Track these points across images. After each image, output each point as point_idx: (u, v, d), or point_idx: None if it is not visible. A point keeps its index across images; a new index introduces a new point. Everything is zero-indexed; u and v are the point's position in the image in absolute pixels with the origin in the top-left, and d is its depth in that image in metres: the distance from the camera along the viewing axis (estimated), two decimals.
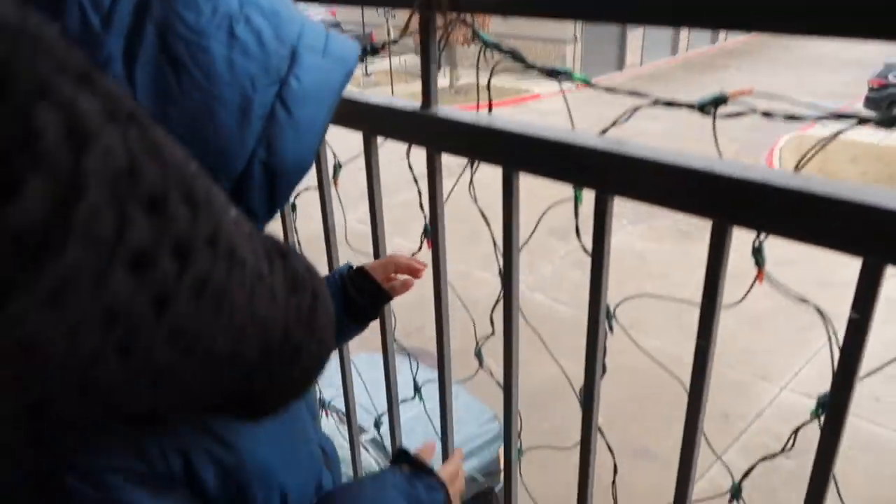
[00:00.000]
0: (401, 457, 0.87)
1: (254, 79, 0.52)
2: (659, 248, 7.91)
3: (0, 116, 0.27)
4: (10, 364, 0.30)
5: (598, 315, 0.80)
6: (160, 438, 0.58)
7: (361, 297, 0.96)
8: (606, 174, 0.71)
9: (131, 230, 0.32)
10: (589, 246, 0.82)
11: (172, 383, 0.39)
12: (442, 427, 1.05)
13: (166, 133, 0.39)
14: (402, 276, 0.99)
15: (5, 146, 0.27)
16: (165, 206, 0.34)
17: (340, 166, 1.04)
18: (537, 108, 15.41)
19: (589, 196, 0.78)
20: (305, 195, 1.16)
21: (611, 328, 0.84)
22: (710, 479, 4.76)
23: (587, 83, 0.75)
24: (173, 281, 0.35)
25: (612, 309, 0.83)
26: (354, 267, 0.99)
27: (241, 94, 0.51)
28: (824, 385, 0.67)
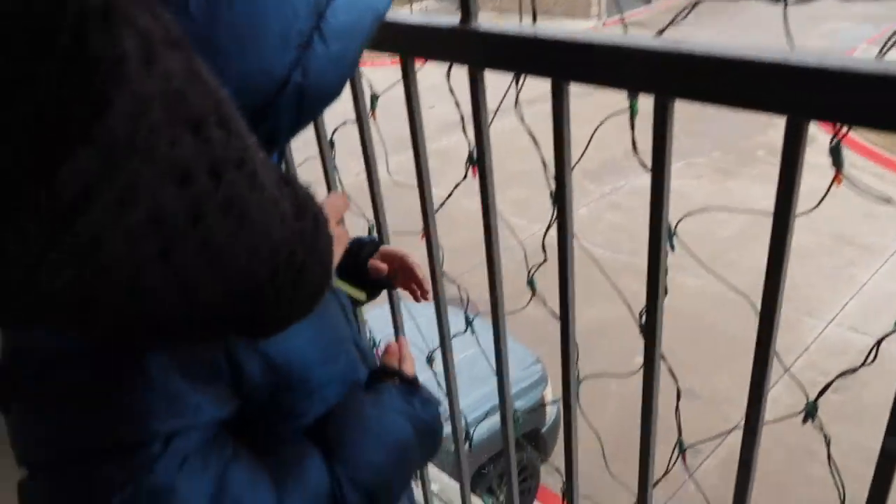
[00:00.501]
0: (382, 372, 0.84)
1: (296, 9, 0.54)
2: (698, 185, 7.71)
3: (100, 42, 0.30)
4: (80, 263, 0.34)
5: (659, 232, 0.75)
6: None
7: (352, 257, 0.99)
8: (667, 76, 0.66)
9: (180, 148, 0.35)
10: (646, 161, 0.77)
11: (195, 293, 0.42)
12: (497, 363, 1.03)
13: (216, 52, 0.46)
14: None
15: (104, 68, 0.30)
16: (206, 128, 0.38)
17: (377, 97, 1.00)
18: None
19: (645, 107, 0.73)
20: (342, 130, 1.13)
21: (672, 247, 0.80)
22: None
23: None
24: (207, 197, 0.38)
25: (673, 227, 0.79)
26: (377, 240, 1.02)
27: (284, 21, 0.53)
28: (871, 319, 0.63)
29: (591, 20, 16.36)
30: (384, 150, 1.06)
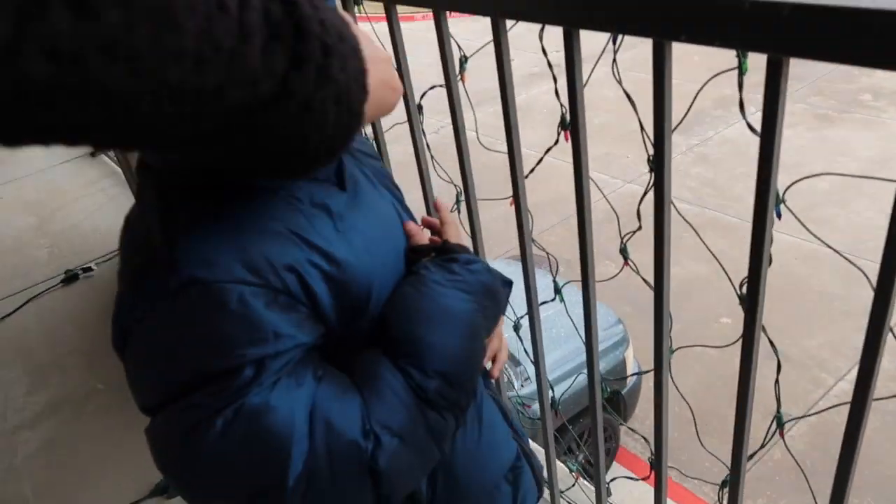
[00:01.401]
0: (414, 254, 0.80)
1: None
2: (792, 133, 7.22)
3: None
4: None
5: (766, 199, 0.71)
6: (266, 254, 0.61)
7: None
8: (785, 31, 0.61)
9: None
10: (754, 123, 0.73)
11: (127, 109, 0.38)
12: (587, 335, 1.02)
13: None
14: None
15: None
16: None
17: (467, 59, 0.98)
18: None
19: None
20: (430, 94, 1.12)
21: (779, 214, 0.76)
22: (850, 381, 4.50)
23: None
24: None
25: (780, 193, 0.74)
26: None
27: None
28: None
29: None
30: (471, 109, 1.04)
